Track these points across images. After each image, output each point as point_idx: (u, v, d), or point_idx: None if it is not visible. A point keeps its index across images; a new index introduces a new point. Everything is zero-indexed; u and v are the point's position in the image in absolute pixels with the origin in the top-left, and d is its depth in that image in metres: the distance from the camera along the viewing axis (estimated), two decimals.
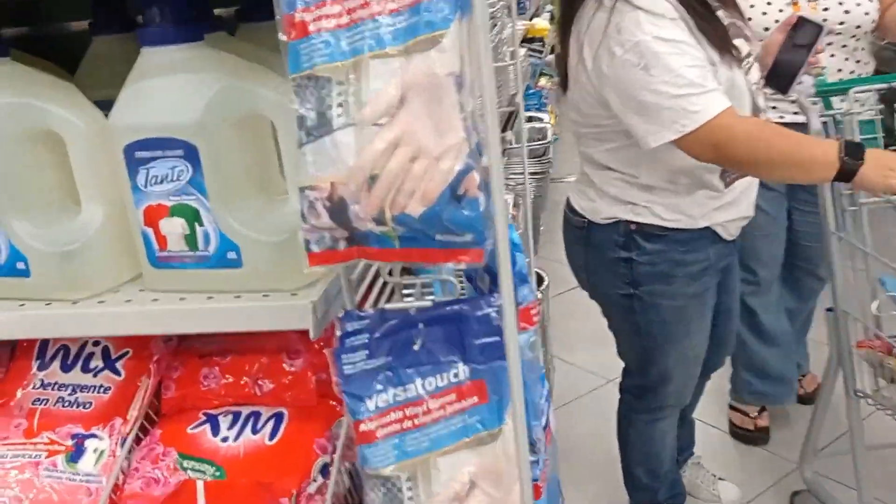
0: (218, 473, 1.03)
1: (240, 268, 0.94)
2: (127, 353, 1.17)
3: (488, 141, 0.74)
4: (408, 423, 0.83)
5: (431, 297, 0.86)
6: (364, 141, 0.72)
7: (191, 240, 0.94)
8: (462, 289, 1.02)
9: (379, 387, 0.83)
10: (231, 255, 0.94)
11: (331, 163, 0.74)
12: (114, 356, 1.17)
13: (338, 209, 0.75)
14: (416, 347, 0.83)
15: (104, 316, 0.96)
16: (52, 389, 1.14)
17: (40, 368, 1.16)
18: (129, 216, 0.96)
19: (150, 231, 0.95)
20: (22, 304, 0.99)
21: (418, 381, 0.83)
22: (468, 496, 0.83)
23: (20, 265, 0.98)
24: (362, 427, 0.83)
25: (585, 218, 1.72)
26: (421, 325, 0.86)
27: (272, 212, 0.96)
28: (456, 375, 0.83)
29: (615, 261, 1.71)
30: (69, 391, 1.14)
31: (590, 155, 1.73)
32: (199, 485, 1.02)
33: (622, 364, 2.03)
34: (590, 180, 1.73)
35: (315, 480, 1.03)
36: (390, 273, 0.97)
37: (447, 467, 0.83)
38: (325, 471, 1.04)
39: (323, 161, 0.74)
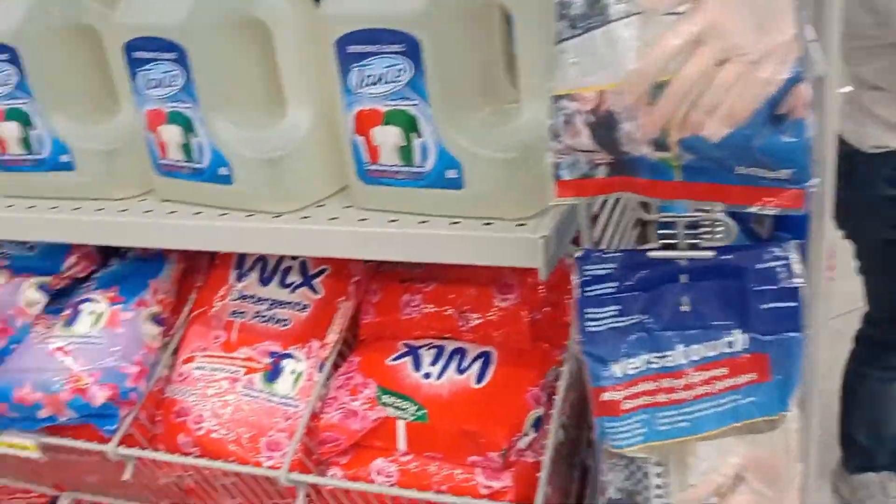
0: (420, 414, 0.92)
1: (460, 189, 0.80)
2: (325, 270, 1.08)
3: (826, 43, 0.54)
4: (662, 398, 0.67)
5: (696, 241, 0.68)
6: (652, 35, 0.54)
7: (406, 153, 0.81)
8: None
9: (629, 350, 0.67)
10: (451, 173, 0.80)
11: (601, 65, 0.56)
12: (311, 272, 1.09)
13: (604, 126, 0.58)
14: (683, 308, 0.65)
15: (307, 234, 0.86)
16: (250, 303, 1.08)
17: (238, 279, 1.10)
18: (339, 121, 0.84)
19: (360, 140, 0.83)
20: (223, 214, 0.91)
21: (680, 348, 0.66)
22: (732, 492, 0.67)
23: (222, 171, 0.89)
24: (604, 396, 0.68)
25: (850, 145, 1.44)
26: (685, 278, 0.68)
27: (501, 124, 0.81)
28: (730, 345, 0.66)
29: (883, 200, 1.42)
30: (266, 306, 1.07)
31: (858, 73, 1.43)
32: (401, 425, 0.92)
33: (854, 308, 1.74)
34: (858, 101, 1.43)
35: (527, 434, 0.90)
36: (645, 207, 0.79)
37: (709, 455, 0.67)
38: (537, 424, 0.91)
39: (590, 62, 0.57)
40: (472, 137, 0.79)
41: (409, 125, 0.79)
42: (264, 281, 1.10)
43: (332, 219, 0.86)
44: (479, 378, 0.94)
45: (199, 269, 1.14)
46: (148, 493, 1.12)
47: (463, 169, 0.79)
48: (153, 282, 1.08)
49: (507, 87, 0.86)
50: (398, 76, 0.78)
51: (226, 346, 1.05)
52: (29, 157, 1.00)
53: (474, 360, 0.96)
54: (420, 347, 0.99)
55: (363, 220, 0.85)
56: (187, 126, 0.89)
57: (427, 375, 0.96)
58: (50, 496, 1.30)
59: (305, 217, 0.88)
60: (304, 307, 1.06)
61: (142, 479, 1.08)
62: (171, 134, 0.91)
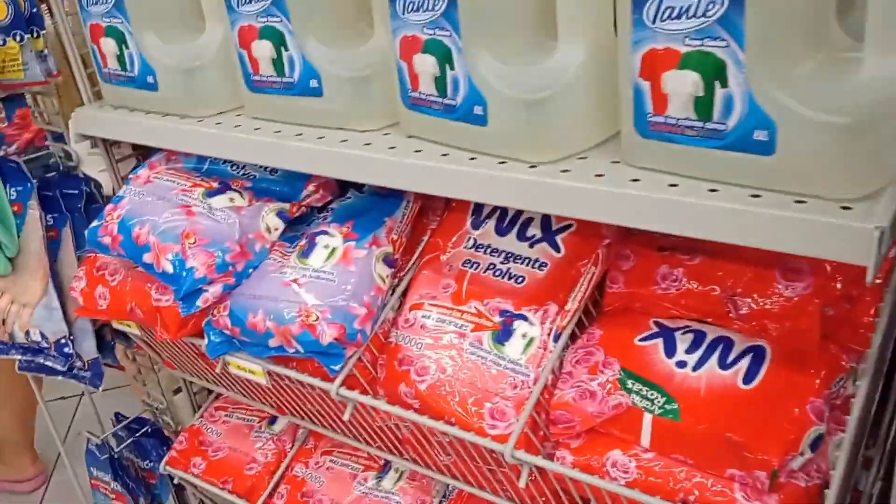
0: (670, 408, 0.80)
1: (769, 155, 0.65)
2: (569, 226, 0.97)
3: None
4: None
5: None
6: None
7: (703, 105, 0.66)
8: None
9: None
10: (760, 134, 0.64)
11: None
12: (554, 227, 0.98)
13: None
14: None
15: (568, 192, 0.74)
16: (485, 253, 1.00)
17: (474, 226, 1.02)
18: (620, 62, 0.71)
19: (645, 86, 0.69)
20: (473, 158, 0.82)
21: None
22: None
23: (478, 109, 0.80)
24: None
25: None
26: None
27: (832, 80, 0.64)
28: None
29: None
30: (501, 258, 0.99)
31: None
32: (647, 419, 0.80)
33: None
34: None
35: (802, 454, 0.75)
36: None
37: None
38: (816, 443, 0.76)
39: None
40: (793, 93, 0.63)
41: (714, 71, 0.64)
42: (501, 231, 1.01)
43: (598, 175, 0.74)
44: (749, 377, 0.80)
45: (433, 209, 1.07)
46: (362, 432, 1.09)
47: (777, 130, 0.64)
48: (389, 220, 1.02)
49: (839, 34, 0.68)
50: (708, 9, 0.63)
51: (455, 298, 0.98)
52: (279, 79, 0.96)
53: (742, 354, 0.81)
54: (675, 330, 0.86)
55: (635, 180, 0.72)
56: (444, 57, 0.80)
57: (681, 364, 0.83)
58: (269, 414, 1.33)
59: (565, 171, 0.76)
60: (543, 265, 0.96)
61: (358, 419, 1.05)
62: (426, 64, 0.82)
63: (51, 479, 2.25)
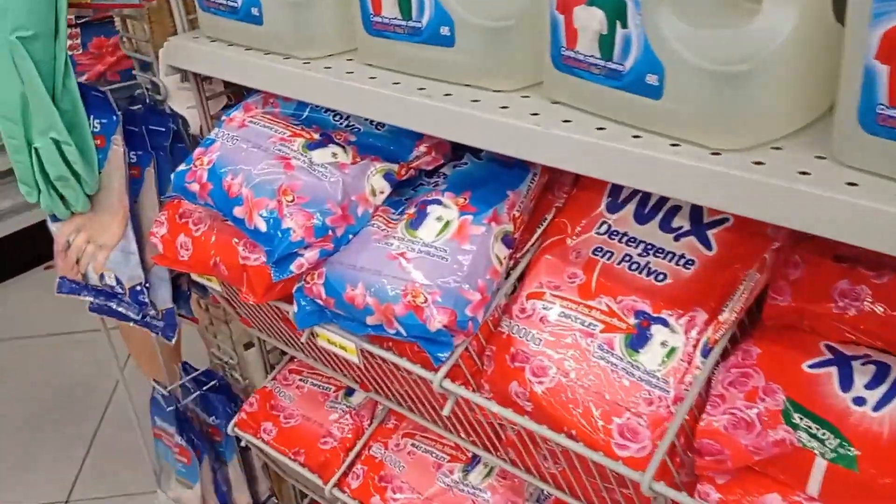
0: (846, 454, 0.67)
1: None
2: (725, 220, 0.84)
3: None
4: None
5: None
6: None
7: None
8: None
9: None
10: (651, 78, 0.58)
11: None
12: (706, 219, 0.85)
13: None
14: None
15: (764, 190, 0.61)
16: (620, 241, 0.87)
17: (610, 209, 0.89)
18: (847, 35, 0.56)
19: (883, 71, 0.55)
20: (638, 136, 0.68)
21: None
22: None
23: (651, 79, 0.66)
24: None
25: None
26: None
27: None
28: None
29: None
30: (640, 250, 0.86)
31: None
32: (820, 464, 0.68)
33: None
34: None
35: None
36: None
37: None
38: None
39: None
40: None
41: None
42: (641, 217, 0.88)
43: (802, 173, 0.61)
44: None
45: (560, 184, 0.94)
46: (457, 424, 0.99)
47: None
48: (511, 194, 0.90)
49: None
50: None
51: (583, 291, 0.86)
52: (404, 22, 0.83)
53: None
54: (853, 358, 0.73)
55: (852, 184, 0.58)
56: (617, 12, 0.66)
57: (859, 402, 0.70)
58: (345, 385, 1.24)
59: (758, 163, 0.63)
60: (689, 263, 0.83)
61: (455, 411, 0.95)
62: (592, 19, 0.69)
63: (108, 408, 2.24)
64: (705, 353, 0.77)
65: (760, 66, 0.62)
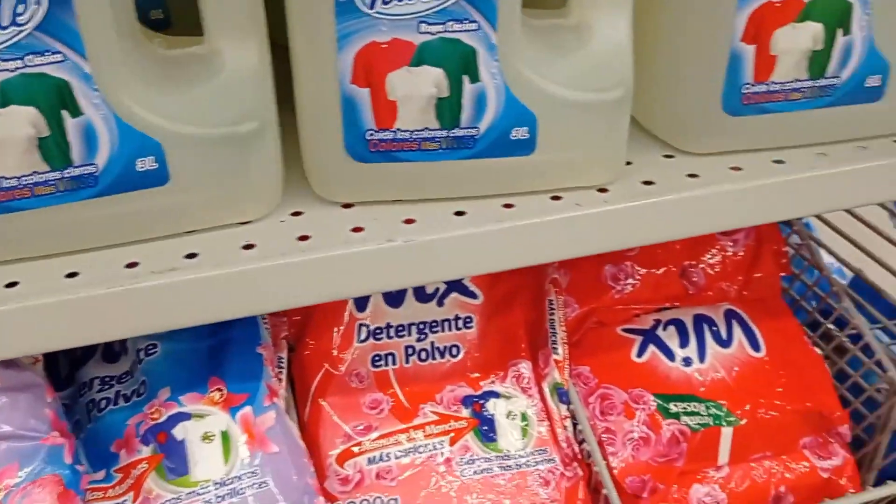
0: (717, 412, 0.72)
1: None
2: None
3: None
4: None
5: None
6: None
7: None
8: None
9: None
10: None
11: None
12: None
13: None
14: None
15: None
16: (391, 337, 0.71)
17: (359, 308, 0.71)
18: None
19: None
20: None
21: None
22: None
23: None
24: None
25: None
26: None
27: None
28: None
29: None
30: (416, 335, 0.72)
31: None
32: (726, 433, 0.70)
33: None
34: None
35: None
36: None
37: None
38: None
39: None
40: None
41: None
42: (392, 299, 0.73)
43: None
44: (754, 345, 0.76)
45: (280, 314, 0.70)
46: None
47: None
48: (263, 350, 0.63)
49: None
50: None
51: (398, 412, 0.68)
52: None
53: (728, 324, 0.77)
54: (652, 330, 0.76)
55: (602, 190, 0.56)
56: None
57: (687, 361, 0.75)
58: None
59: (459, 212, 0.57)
60: (468, 320, 0.74)
61: None
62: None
63: None
64: (564, 399, 0.71)
65: None
